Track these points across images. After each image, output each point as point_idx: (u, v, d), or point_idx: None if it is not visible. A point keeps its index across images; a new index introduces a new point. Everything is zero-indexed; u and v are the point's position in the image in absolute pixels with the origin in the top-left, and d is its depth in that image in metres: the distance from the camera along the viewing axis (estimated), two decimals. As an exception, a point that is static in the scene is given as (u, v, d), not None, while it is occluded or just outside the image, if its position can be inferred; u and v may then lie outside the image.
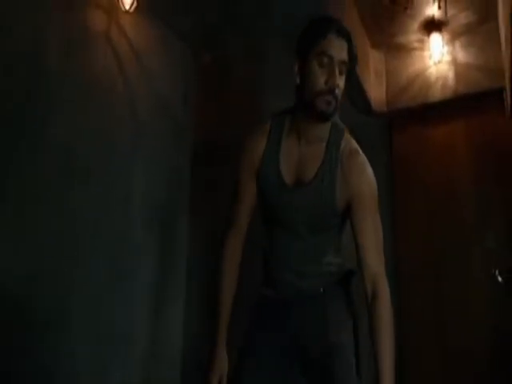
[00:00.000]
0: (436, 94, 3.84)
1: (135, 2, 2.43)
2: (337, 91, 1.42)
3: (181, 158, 3.06)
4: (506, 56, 3.37)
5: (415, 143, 3.89)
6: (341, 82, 1.44)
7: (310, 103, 1.44)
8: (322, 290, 1.52)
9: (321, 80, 1.41)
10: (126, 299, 2.58)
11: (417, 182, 3.78)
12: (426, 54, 3.85)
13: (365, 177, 1.50)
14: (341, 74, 1.43)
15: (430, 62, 3.83)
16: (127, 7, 2.42)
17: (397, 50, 3.98)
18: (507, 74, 3.47)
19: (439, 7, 3.49)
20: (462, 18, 3.68)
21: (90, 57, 2.46)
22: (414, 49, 3.94)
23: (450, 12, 3.61)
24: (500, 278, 3.13)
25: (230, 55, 3.06)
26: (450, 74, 3.81)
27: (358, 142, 1.59)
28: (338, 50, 1.42)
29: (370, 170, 1.52)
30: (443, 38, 3.76)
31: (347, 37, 1.45)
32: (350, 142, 1.55)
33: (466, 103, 3.74)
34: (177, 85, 3.05)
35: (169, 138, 2.98)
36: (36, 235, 2.16)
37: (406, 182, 3.82)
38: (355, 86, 3.65)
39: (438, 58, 3.77)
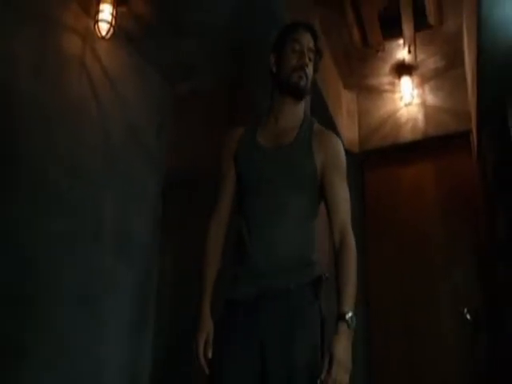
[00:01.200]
0: (406, 135, 3.94)
1: (112, 29, 2.46)
2: (306, 69, 1.66)
3: (153, 187, 3.03)
4: (473, 101, 3.51)
5: (386, 183, 3.95)
6: (310, 66, 1.69)
7: (286, 80, 1.66)
8: (291, 286, 1.51)
9: (294, 60, 1.66)
10: (94, 325, 2.49)
11: (388, 220, 3.82)
12: (397, 96, 3.98)
13: (338, 146, 1.67)
14: (309, 60, 1.69)
15: (401, 104, 3.95)
16: (103, 33, 2.44)
17: (369, 92, 4.10)
18: (474, 118, 3.60)
19: (409, 51, 3.63)
20: (430, 63, 3.84)
21: (64, 81, 2.46)
22: (385, 91, 4.07)
23: (420, 57, 3.77)
24: (468, 316, 3.14)
25: (206, 89, 3.10)
26: (420, 116, 3.93)
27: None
28: (307, 40, 1.70)
29: (341, 145, 1.69)
30: (413, 81, 3.91)
31: (314, 32, 1.73)
32: (321, 127, 1.73)
33: (434, 145, 3.85)
34: (151, 115, 3.06)
35: (141, 166, 2.96)
36: (6, 258, 2.10)
37: (378, 220, 3.85)
38: (328, 126, 3.72)
39: (408, 100, 3.89)
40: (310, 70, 1.68)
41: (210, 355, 1.53)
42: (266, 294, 1.50)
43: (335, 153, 1.65)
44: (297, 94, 1.68)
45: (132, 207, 2.85)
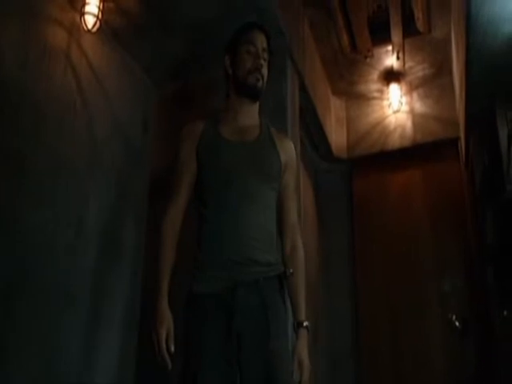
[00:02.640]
0: (395, 142, 3.93)
1: (98, 23, 2.42)
2: (262, 71, 1.71)
3: (137, 184, 2.97)
4: (461, 108, 3.52)
5: (375, 189, 3.93)
6: (265, 67, 1.73)
7: (243, 82, 1.71)
8: (261, 279, 1.55)
9: (249, 62, 1.71)
10: (76, 324, 2.40)
11: (376, 227, 3.78)
12: (385, 103, 3.98)
13: (292, 149, 1.81)
14: (264, 60, 1.73)
15: (389, 111, 3.95)
16: (89, 26, 2.41)
17: (357, 98, 4.10)
18: (462, 125, 3.60)
19: (398, 58, 3.64)
20: (419, 70, 3.85)
21: (49, 74, 2.40)
22: (373, 98, 4.07)
23: (408, 64, 3.78)
24: (457, 323, 3.10)
25: (191, 87, 3.07)
26: (408, 124, 3.93)
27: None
28: (260, 40, 1.74)
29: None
30: (401, 88, 3.91)
31: (266, 32, 1.77)
32: (275, 129, 1.83)
33: (423, 152, 3.85)
34: (137, 112, 3.01)
35: (126, 163, 2.90)
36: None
37: (366, 226, 3.81)
38: (317, 132, 3.71)
39: (396, 107, 3.89)
40: (265, 70, 1.73)
41: (172, 349, 1.49)
42: (238, 286, 1.51)
43: (293, 158, 1.80)
44: (254, 95, 1.73)
45: (116, 204, 2.78)
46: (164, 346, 1.49)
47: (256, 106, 1.77)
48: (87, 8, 2.41)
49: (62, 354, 2.32)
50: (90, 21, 2.41)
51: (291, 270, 1.65)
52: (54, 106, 2.43)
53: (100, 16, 2.43)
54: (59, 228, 2.40)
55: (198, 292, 1.55)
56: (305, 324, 1.61)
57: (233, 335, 1.47)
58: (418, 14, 3.38)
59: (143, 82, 3.07)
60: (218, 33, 2.86)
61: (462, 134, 3.63)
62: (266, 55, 1.74)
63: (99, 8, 2.42)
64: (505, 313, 2.45)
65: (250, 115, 1.75)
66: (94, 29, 2.42)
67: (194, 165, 1.69)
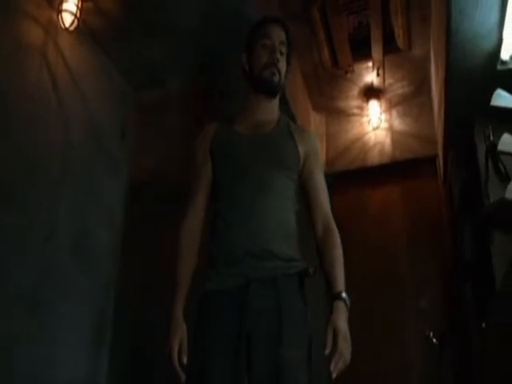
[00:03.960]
0: (374, 159, 3.94)
1: (76, 22, 2.36)
2: (279, 65, 1.62)
3: (113, 191, 2.89)
4: (439, 126, 3.55)
5: (353, 205, 3.90)
6: (282, 61, 1.65)
7: (258, 77, 1.63)
8: (279, 276, 1.43)
9: (265, 56, 1.63)
10: (45, 333, 2.28)
11: (355, 242, 3.73)
12: (365, 119, 4.00)
13: (317, 144, 1.72)
14: (281, 54, 1.65)
15: (369, 128, 3.96)
16: (67, 25, 2.35)
17: (337, 114, 4.11)
18: (440, 143, 3.63)
19: (378, 74, 3.66)
20: (398, 87, 3.89)
21: (23, 71, 2.33)
22: (353, 114, 4.09)
23: (388, 81, 3.81)
24: (434, 340, 3.06)
25: (172, 95, 3.02)
26: (387, 140, 3.94)
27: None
28: (277, 33, 1.66)
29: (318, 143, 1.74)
30: (381, 105, 3.94)
31: (284, 25, 1.68)
32: (298, 125, 1.77)
33: (401, 169, 3.86)
34: (114, 117, 2.95)
35: (102, 170, 2.84)
36: None
37: (344, 242, 3.74)
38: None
39: (376, 124, 3.91)
40: (282, 64, 1.65)
41: (184, 362, 1.41)
42: (251, 283, 1.40)
43: (315, 148, 1.68)
44: (270, 91, 1.65)
45: (89, 210, 2.69)
46: (176, 358, 1.41)
47: (275, 102, 1.70)
48: (65, 6, 2.36)
49: (22, 362, 2.18)
50: (67, 19, 2.36)
51: (313, 268, 1.51)
52: (27, 104, 2.35)
53: (78, 15, 2.39)
54: (29, 231, 2.30)
55: (210, 289, 1.46)
56: (343, 295, 1.41)
57: (242, 335, 1.36)
58: (399, 31, 3.42)
59: (121, 86, 3.02)
60: (199, 40, 2.85)
61: (440, 152, 3.65)
62: (283, 48, 1.66)
63: (77, 6, 2.38)
64: (483, 325, 2.42)
65: (268, 111, 1.67)
66: (72, 27, 2.37)
67: (209, 166, 1.62)
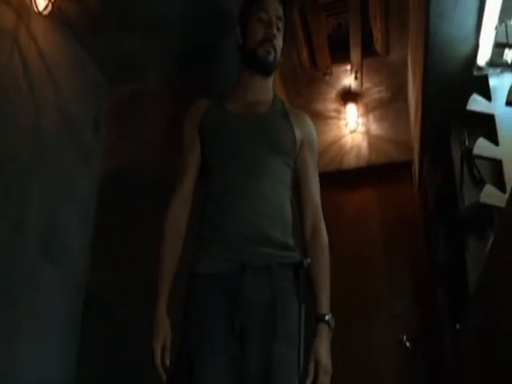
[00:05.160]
0: (350, 162, 3.94)
1: (50, 6, 2.27)
2: (275, 41, 1.52)
3: (85, 184, 2.79)
4: (415, 131, 3.57)
5: (330, 208, 3.83)
6: (279, 37, 1.54)
7: (252, 54, 1.53)
8: (273, 264, 1.35)
9: (260, 31, 1.52)
10: (8, 330, 2.16)
11: (330, 245, 3.70)
12: (342, 122, 4.00)
13: (314, 130, 1.61)
14: (278, 30, 1.54)
15: (346, 131, 3.97)
16: (40, 9, 2.25)
17: (315, 116, 4.09)
18: (416, 149, 3.65)
19: (356, 78, 3.68)
20: (375, 92, 3.91)
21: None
22: (330, 117, 4.09)
23: (366, 85, 3.83)
24: (408, 344, 3.05)
25: (148, 90, 2.95)
26: (364, 144, 3.95)
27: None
28: (275, 7, 1.55)
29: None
30: (358, 109, 3.95)
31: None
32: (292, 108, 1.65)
33: (378, 172, 3.87)
34: (88, 108, 2.85)
35: (74, 161, 2.73)
36: None
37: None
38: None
39: (353, 127, 3.91)
40: (278, 41, 1.54)
41: (167, 363, 1.33)
42: (246, 270, 1.31)
43: (311, 135, 1.59)
44: (265, 70, 1.56)
45: (60, 202, 2.58)
46: (159, 359, 1.33)
47: (269, 81, 1.59)
48: (39, -13, 2.27)
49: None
50: (41, 2, 2.26)
51: (309, 260, 1.43)
52: (-4, 88, 2.24)
53: (53, -1, 2.29)
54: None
55: (200, 272, 1.36)
56: (326, 318, 1.35)
57: (235, 325, 1.28)
58: (377, 36, 3.44)
59: (96, 78, 2.92)
60: (178, 36, 2.79)
61: (415, 157, 3.68)
62: (280, 24, 1.55)
63: (52, -10, 2.28)
64: (457, 326, 2.41)
65: (263, 90, 1.57)
66: (46, 12, 2.27)
67: (198, 146, 1.51)
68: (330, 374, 1.31)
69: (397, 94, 3.91)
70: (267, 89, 1.58)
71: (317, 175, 1.57)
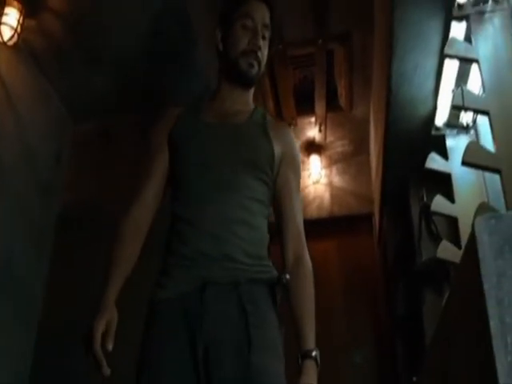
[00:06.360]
0: (313, 212, 3.96)
1: (16, 37, 2.25)
2: (259, 53, 1.38)
3: (44, 216, 2.72)
4: (376, 185, 3.64)
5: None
6: (264, 47, 1.41)
7: (234, 64, 1.39)
8: (242, 281, 1.20)
9: (244, 40, 1.38)
10: None
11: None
12: (306, 173, 4.03)
13: (293, 141, 1.45)
14: (264, 38, 1.41)
15: (309, 182, 4.01)
16: (5, 39, 2.22)
17: (279, 166, 4.13)
18: (376, 202, 3.71)
19: (320, 130, 3.75)
20: (338, 145, 3.99)
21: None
22: (294, 167, 4.12)
23: (329, 138, 3.91)
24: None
25: (112, 126, 2.92)
26: (326, 195, 3.99)
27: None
28: (261, 14, 1.42)
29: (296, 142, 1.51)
30: (322, 161, 4.01)
31: (270, 4, 1.44)
32: (274, 118, 1.52)
33: (339, 224, 3.89)
34: (50, 141, 2.81)
35: (33, 193, 2.66)
36: None
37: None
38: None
39: (316, 178, 3.96)
40: (263, 52, 1.40)
41: (109, 348, 1.13)
42: (208, 286, 1.18)
43: (293, 150, 1.43)
44: (245, 83, 1.42)
45: (18, 234, 2.50)
46: (99, 342, 1.13)
47: (250, 92, 1.46)
48: (4, 19, 2.25)
49: None
50: (6, 33, 2.24)
51: (288, 276, 1.27)
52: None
53: (19, 30, 2.27)
54: None
55: (158, 299, 1.21)
56: (313, 354, 1.20)
57: (197, 350, 1.13)
58: (341, 91, 3.56)
59: (60, 111, 2.89)
60: (143, 73, 2.80)
61: (376, 210, 3.72)
62: (266, 33, 1.42)
63: (19, 22, 2.27)
64: (414, 379, 2.36)
65: (242, 101, 1.43)
66: (11, 42, 2.25)
67: (165, 156, 1.36)
68: None
69: (359, 148, 4.00)
70: (247, 100, 1.45)
71: (299, 196, 1.40)
